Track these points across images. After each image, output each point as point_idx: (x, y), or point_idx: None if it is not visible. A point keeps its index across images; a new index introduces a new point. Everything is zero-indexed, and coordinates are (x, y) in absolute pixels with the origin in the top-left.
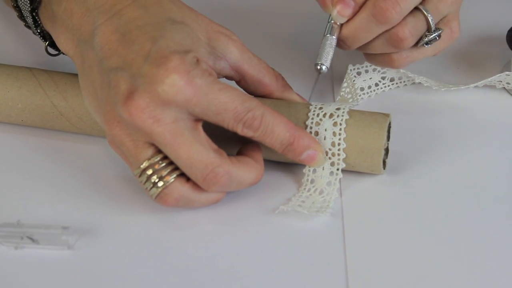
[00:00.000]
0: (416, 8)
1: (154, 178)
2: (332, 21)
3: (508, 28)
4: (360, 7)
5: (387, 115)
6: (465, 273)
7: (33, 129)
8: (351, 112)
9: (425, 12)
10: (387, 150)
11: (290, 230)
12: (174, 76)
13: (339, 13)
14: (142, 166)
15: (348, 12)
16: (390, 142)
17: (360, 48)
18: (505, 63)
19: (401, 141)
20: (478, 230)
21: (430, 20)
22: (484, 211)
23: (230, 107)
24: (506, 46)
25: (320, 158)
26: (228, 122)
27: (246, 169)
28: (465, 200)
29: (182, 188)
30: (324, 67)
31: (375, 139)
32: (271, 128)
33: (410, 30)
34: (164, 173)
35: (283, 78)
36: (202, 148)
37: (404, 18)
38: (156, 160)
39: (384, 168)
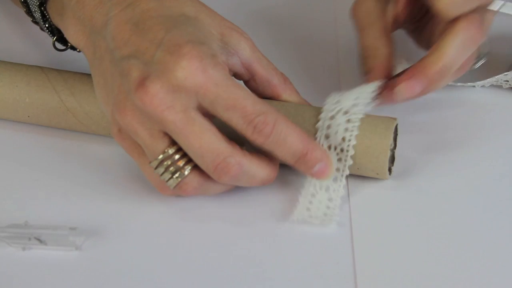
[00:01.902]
0: None
1: (172, 170)
2: None
3: None
4: None
5: (394, 118)
6: (475, 278)
7: (40, 129)
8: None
9: None
10: (393, 157)
11: (298, 234)
12: (185, 62)
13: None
14: (160, 158)
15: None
16: (396, 150)
17: None
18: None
19: (408, 145)
20: (488, 234)
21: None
22: (494, 215)
23: (239, 104)
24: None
25: (331, 172)
26: (237, 121)
27: (258, 164)
28: (474, 203)
29: (199, 178)
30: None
31: (381, 139)
32: (284, 137)
33: None
34: (180, 164)
35: (290, 82)
36: (213, 137)
37: None
38: (172, 152)
39: (389, 174)
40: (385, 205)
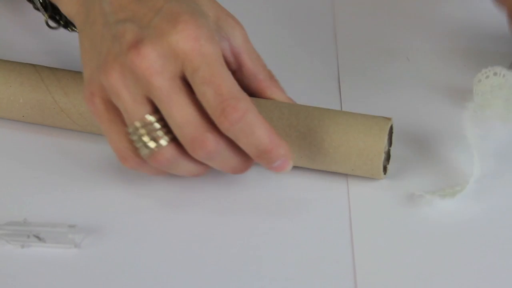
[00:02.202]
0: None
1: (146, 139)
2: None
3: None
4: None
5: (388, 119)
6: (474, 277)
7: (39, 127)
8: (353, 114)
9: None
10: (388, 155)
11: (297, 232)
12: (180, 27)
13: None
14: (137, 125)
15: None
16: (393, 148)
17: None
18: None
19: (406, 145)
20: (486, 233)
21: None
22: (492, 213)
23: (217, 81)
24: None
25: (289, 166)
26: (209, 98)
27: (236, 148)
28: (473, 202)
29: (175, 151)
30: None
31: (375, 141)
32: (251, 128)
33: None
34: (159, 133)
35: (276, 80)
36: (197, 111)
37: None
38: (152, 120)
39: (384, 173)
40: (385, 204)
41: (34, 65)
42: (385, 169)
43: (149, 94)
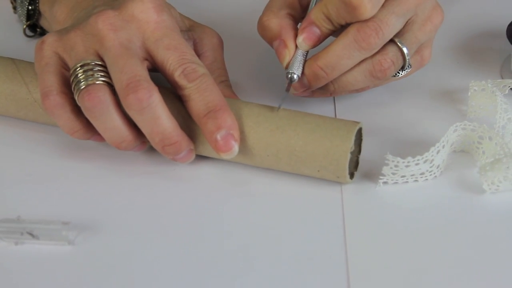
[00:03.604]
0: (392, 41)
1: (84, 76)
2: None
3: (508, 22)
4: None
5: (357, 122)
6: (463, 271)
7: (33, 125)
8: (322, 117)
9: (399, 45)
10: (356, 163)
11: (292, 229)
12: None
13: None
14: (78, 65)
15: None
16: (361, 156)
17: (337, 86)
18: (505, 58)
19: (396, 147)
20: (479, 231)
21: (405, 53)
22: (485, 212)
23: (181, 48)
24: (506, 40)
25: (236, 150)
26: (172, 61)
27: (168, 113)
28: (465, 201)
29: (107, 93)
30: (295, 76)
31: (342, 141)
32: (205, 87)
33: (392, 59)
34: (96, 75)
35: (232, 91)
36: (140, 65)
37: (384, 48)
38: (94, 63)
39: (351, 179)
40: (377, 202)
41: (12, 58)
42: (352, 175)
43: (100, 48)
